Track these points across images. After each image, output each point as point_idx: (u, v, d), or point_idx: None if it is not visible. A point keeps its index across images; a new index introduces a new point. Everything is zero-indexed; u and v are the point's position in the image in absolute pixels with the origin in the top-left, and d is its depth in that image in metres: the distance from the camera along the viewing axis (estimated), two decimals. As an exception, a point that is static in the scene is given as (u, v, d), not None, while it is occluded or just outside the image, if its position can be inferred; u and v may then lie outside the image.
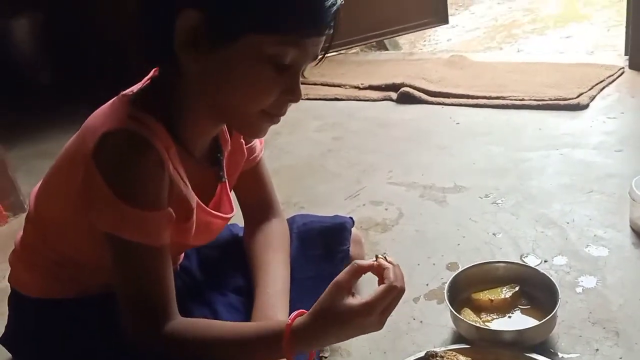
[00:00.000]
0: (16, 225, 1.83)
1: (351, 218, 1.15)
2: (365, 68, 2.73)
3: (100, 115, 0.82)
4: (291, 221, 1.13)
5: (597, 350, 0.97)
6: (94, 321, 0.92)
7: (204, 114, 0.83)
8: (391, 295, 0.78)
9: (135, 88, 0.84)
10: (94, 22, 3.21)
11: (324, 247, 1.10)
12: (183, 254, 1.06)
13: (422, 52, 2.91)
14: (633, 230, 1.26)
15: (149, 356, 0.82)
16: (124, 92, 0.83)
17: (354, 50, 3.11)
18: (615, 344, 0.98)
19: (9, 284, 1.03)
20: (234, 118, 0.83)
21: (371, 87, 2.43)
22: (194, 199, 0.85)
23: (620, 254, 1.20)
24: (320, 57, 0.80)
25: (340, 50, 3.09)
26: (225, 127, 0.94)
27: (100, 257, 0.89)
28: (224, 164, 0.94)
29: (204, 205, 0.89)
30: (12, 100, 3.03)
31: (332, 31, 0.77)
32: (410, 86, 2.26)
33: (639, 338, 0.98)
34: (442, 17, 3.18)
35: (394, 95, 2.29)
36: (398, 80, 2.34)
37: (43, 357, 0.95)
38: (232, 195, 0.98)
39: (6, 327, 1.09)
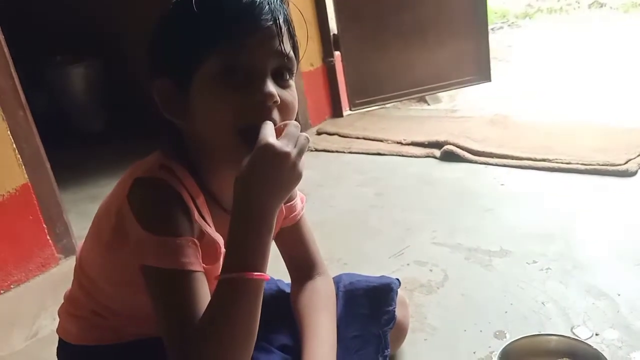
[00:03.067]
0: (66, 267, 1.91)
1: (397, 279, 1.16)
2: (407, 124, 2.78)
3: (136, 165, 0.89)
4: (337, 279, 1.15)
5: None
6: None
7: (215, 161, 0.87)
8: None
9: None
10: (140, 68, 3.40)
11: (369, 307, 1.11)
12: None
13: (464, 110, 2.94)
14: (689, 306, 1.23)
15: None
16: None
17: (394, 106, 3.18)
18: None
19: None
20: (220, 151, 0.84)
21: (414, 144, 2.47)
22: (221, 240, 0.89)
23: (675, 331, 1.18)
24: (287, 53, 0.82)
25: (382, 104, 3.17)
26: None
27: (132, 305, 0.95)
28: None
29: None
30: (65, 146, 3.19)
31: (271, 22, 0.79)
32: (454, 144, 2.29)
33: None
34: (484, 75, 3.23)
35: (437, 152, 2.32)
36: (441, 138, 2.37)
37: None
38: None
39: None
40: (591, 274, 1.41)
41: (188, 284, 0.80)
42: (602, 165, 1.97)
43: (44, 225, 1.88)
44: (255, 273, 0.77)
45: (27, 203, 1.84)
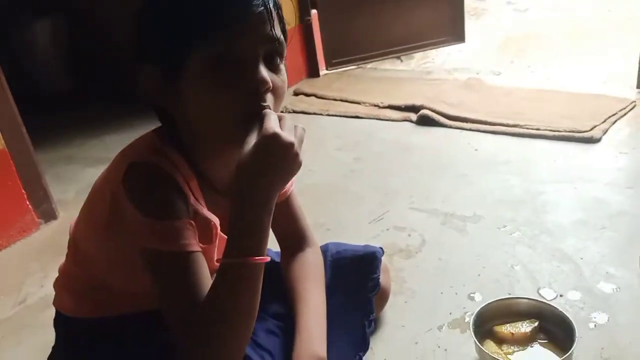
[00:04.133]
0: (48, 232, 1.92)
1: (381, 248, 1.24)
2: (384, 85, 2.81)
3: (129, 148, 0.92)
4: (325, 248, 1.21)
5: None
6: (128, 337, 1.00)
7: (210, 146, 0.90)
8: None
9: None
10: (107, 26, 3.29)
11: (356, 275, 1.18)
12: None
13: (439, 72, 2.98)
14: (643, 270, 1.35)
15: None
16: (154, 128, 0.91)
17: (370, 65, 3.19)
18: (626, 380, 1.07)
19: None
20: (217, 137, 0.86)
21: (391, 107, 2.52)
22: (216, 219, 0.93)
23: (630, 292, 1.30)
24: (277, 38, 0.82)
25: (358, 64, 3.18)
26: None
27: (129, 283, 0.98)
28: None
29: (222, 235, 0.95)
30: (32, 106, 3.11)
31: (262, 8, 0.79)
32: (429, 109, 2.34)
33: (648, 376, 1.07)
34: (458, 36, 3.27)
35: (413, 116, 2.38)
36: (418, 102, 2.42)
37: None
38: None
39: (53, 347, 1.19)
40: (557, 239, 1.51)
41: (189, 264, 0.84)
42: (569, 131, 2.07)
43: (23, 191, 1.88)
44: (258, 257, 0.82)
45: (5, 169, 1.83)
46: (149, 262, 0.86)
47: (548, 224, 1.59)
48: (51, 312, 1.50)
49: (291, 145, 0.79)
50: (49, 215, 1.96)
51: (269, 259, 0.84)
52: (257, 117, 0.80)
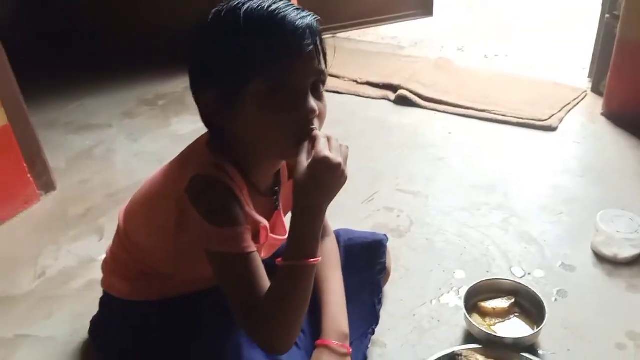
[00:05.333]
0: (49, 203, 1.99)
1: (386, 235, 1.44)
2: (359, 60, 2.95)
3: (186, 160, 1.06)
4: (337, 234, 1.40)
5: (569, 350, 1.34)
6: (174, 319, 1.17)
7: (260, 157, 1.05)
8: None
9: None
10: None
11: (365, 260, 1.38)
12: None
13: (409, 49, 3.15)
14: (594, 252, 1.64)
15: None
16: (206, 139, 1.04)
17: (344, 35, 3.31)
18: (581, 345, 1.35)
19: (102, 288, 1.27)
20: (270, 150, 1.02)
21: (369, 84, 2.68)
22: (266, 222, 1.10)
23: (584, 271, 1.58)
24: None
25: (332, 34, 3.28)
26: (286, 165, 1.18)
27: (186, 273, 1.15)
28: (280, 195, 1.17)
29: (270, 234, 1.12)
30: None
31: (312, 47, 0.92)
32: (406, 89, 2.53)
33: (598, 341, 1.35)
34: (427, 10, 3.43)
35: (391, 95, 2.56)
36: (395, 81, 2.60)
37: (127, 351, 1.18)
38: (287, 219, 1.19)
39: (96, 322, 1.34)
40: (524, 223, 1.78)
41: (250, 263, 0.99)
42: (530, 119, 2.32)
43: (25, 165, 1.93)
44: (313, 260, 0.98)
45: (9, 144, 1.86)
46: (214, 260, 1.00)
47: (516, 208, 1.84)
48: (74, 285, 1.64)
49: (339, 165, 0.94)
50: (48, 186, 2.03)
51: (320, 259, 1.01)
52: (307, 137, 0.95)
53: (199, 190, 0.98)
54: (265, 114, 0.94)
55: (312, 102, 0.95)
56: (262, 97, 0.92)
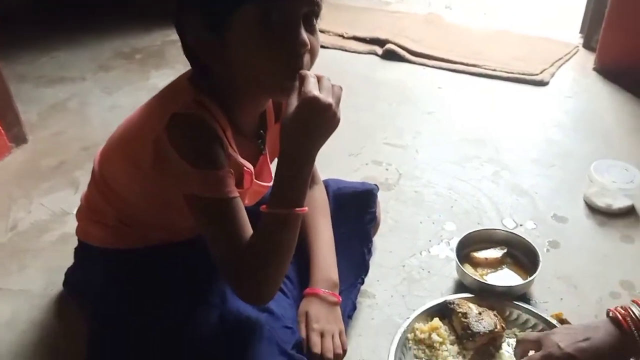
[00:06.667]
0: (20, 156, 1.90)
1: (376, 185, 1.38)
2: (345, 15, 2.85)
3: (167, 96, 0.98)
4: (326, 184, 1.34)
5: (562, 299, 1.31)
6: (156, 268, 1.09)
7: (245, 95, 0.97)
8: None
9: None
10: None
11: (355, 209, 1.33)
12: None
13: (396, 5, 3.06)
14: (586, 203, 1.60)
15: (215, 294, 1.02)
16: (189, 75, 0.96)
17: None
18: (574, 294, 1.32)
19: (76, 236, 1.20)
20: (257, 85, 0.93)
21: (355, 38, 2.59)
22: (250, 166, 1.03)
23: (577, 222, 1.55)
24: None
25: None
26: (272, 108, 1.10)
27: (166, 220, 1.08)
28: (267, 139, 1.11)
29: (255, 180, 1.05)
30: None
31: None
32: (394, 43, 2.44)
33: (591, 290, 1.32)
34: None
35: (378, 50, 2.47)
36: (382, 36, 2.51)
37: (106, 301, 1.10)
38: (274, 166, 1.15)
39: (70, 274, 1.26)
40: (515, 175, 1.73)
41: (232, 209, 0.93)
42: (521, 74, 2.26)
43: (-5, 116, 1.82)
44: (299, 209, 0.92)
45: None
46: (193, 206, 0.94)
47: (507, 161, 1.80)
48: (48, 238, 1.56)
49: (329, 106, 0.87)
50: (19, 139, 1.92)
51: (307, 209, 0.95)
52: (297, 72, 0.87)
53: (178, 129, 0.90)
54: (253, 44, 0.86)
55: (304, 35, 0.87)
56: (252, 25, 0.85)
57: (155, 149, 0.94)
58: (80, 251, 1.22)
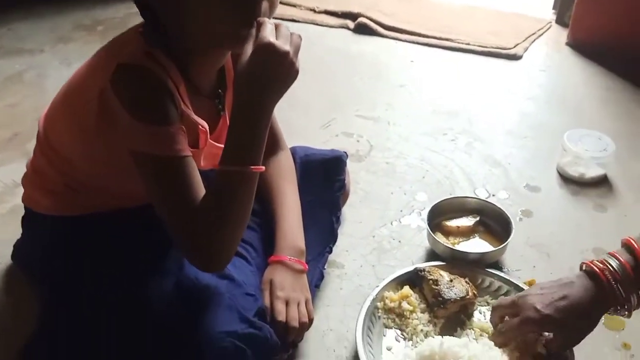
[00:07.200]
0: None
1: (345, 152, 1.33)
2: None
3: (114, 46, 0.91)
4: (293, 151, 1.28)
5: (534, 267, 1.28)
6: (107, 235, 1.02)
7: (200, 47, 0.90)
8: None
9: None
10: None
11: (323, 176, 1.28)
12: None
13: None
14: (559, 173, 1.57)
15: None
16: (139, 27, 0.89)
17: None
18: (547, 262, 1.29)
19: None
20: (212, 37, 0.87)
21: (327, 12, 2.52)
22: (205, 124, 0.96)
23: (550, 192, 1.52)
24: None
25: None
26: (231, 66, 1.03)
27: (113, 184, 1.01)
28: (226, 99, 1.04)
29: (210, 140, 0.99)
30: None
31: None
32: (367, 17, 2.38)
33: (564, 258, 1.30)
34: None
35: (350, 24, 2.41)
36: (354, 10, 2.45)
37: (56, 271, 1.03)
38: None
39: (19, 245, 1.18)
40: (488, 147, 1.70)
41: (184, 168, 0.87)
42: (495, 48, 2.23)
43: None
44: (255, 167, 0.87)
45: None
46: (141, 165, 0.87)
47: (480, 133, 1.76)
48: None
49: (286, 54, 0.81)
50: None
51: (264, 168, 0.89)
52: (253, 21, 0.82)
53: (124, 80, 0.84)
54: None
55: None
56: None
57: (100, 104, 0.87)
58: (28, 220, 1.14)
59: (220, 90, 1.03)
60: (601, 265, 0.90)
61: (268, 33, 0.80)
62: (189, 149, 0.89)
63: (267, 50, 0.80)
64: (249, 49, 0.82)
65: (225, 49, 0.95)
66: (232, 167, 0.86)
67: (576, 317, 0.90)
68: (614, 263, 0.89)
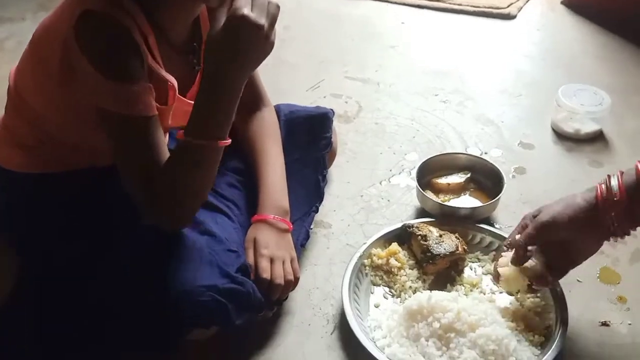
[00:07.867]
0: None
1: (332, 110, 1.28)
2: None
3: None
4: (277, 109, 1.23)
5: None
6: (77, 193, 0.98)
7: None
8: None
9: None
10: None
11: (309, 133, 1.23)
12: (167, 136, 1.13)
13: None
14: (554, 130, 1.53)
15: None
16: None
17: None
18: (540, 218, 1.26)
19: None
20: None
21: (315, -24, 2.44)
22: (174, 81, 0.91)
23: (544, 149, 1.48)
24: None
25: None
26: (207, 17, 0.97)
27: (83, 138, 0.96)
28: (202, 53, 1.00)
29: (179, 96, 0.94)
30: None
31: None
32: (356, -20, 2.31)
33: (557, 214, 1.26)
34: None
35: (340, -13, 2.34)
36: (344, -28, 2.37)
37: (28, 229, 1.00)
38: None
39: None
40: (480, 105, 1.65)
41: (148, 128, 0.84)
42: (488, 8, 2.16)
43: None
44: (222, 142, 0.84)
45: None
46: (105, 122, 0.84)
47: (472, 92, 1.71)
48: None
49: (260, 27, 0.77)
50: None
51: (230, 141, 0.87)
52: None
53: (88, 29, 0.79)
54: None
55: None
56: None
57: (64, 51, 0.82)
58: (0, 179, 1.09)
59: (195, 44, 0.98)
60: (603, 184, 0.88)
61: (243, 4, 0.76)
62: (156, 106, 0.85)
63: (240, 23, 0.76)
64: (222, 15, 0.78)
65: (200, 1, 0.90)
66: (196, 140, 0.83)
67: (575, 225, 0.89)
68: (613, 181, 0.87)
